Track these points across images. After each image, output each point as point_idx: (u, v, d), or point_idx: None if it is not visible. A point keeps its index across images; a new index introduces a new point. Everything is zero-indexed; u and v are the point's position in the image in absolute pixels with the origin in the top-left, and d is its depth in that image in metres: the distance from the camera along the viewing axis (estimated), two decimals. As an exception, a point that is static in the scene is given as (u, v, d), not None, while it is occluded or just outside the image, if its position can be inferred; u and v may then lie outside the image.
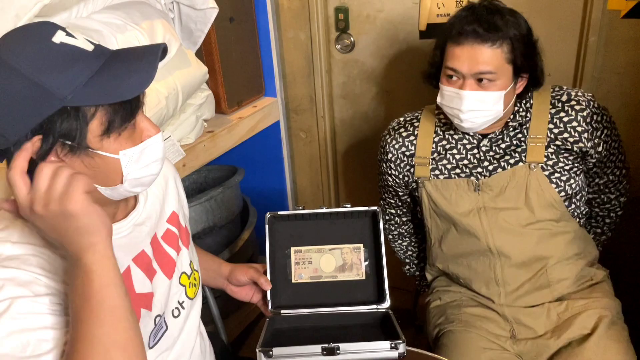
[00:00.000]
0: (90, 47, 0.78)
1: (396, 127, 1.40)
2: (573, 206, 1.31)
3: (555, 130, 1.26)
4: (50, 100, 0.73)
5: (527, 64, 1.20)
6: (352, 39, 1.90)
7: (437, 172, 1.34)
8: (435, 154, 1.34)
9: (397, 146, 1.38)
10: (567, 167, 1.27)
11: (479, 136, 1.31)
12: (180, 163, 1.55)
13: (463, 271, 1.38)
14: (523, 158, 1.27)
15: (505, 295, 1.32)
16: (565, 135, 1.25)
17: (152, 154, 0.85)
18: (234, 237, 1.95)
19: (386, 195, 1.52)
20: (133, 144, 0.82)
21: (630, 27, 1.50)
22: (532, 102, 1.29)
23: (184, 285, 1.05)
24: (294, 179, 2.20)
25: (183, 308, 1.05)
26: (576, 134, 1.25)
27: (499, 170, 1.29)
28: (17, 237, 0.79)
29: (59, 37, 0.76)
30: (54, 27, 0.77)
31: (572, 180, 1.27)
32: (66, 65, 0.74)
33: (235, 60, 1.82)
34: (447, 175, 1.32)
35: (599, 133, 1.26)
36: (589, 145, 1.25)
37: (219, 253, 1.83)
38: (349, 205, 1.21)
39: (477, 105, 1.19)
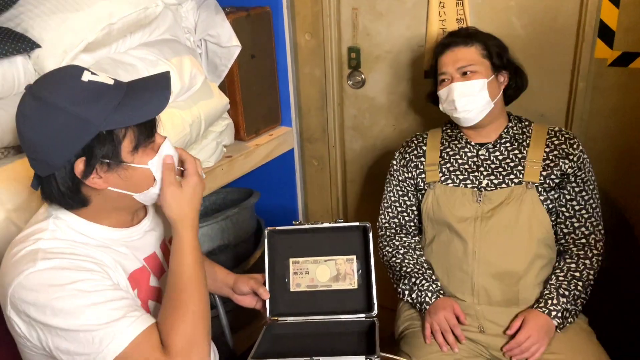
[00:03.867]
0: (111, 82, 0.94)
1: (409, 140, 1.65)
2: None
3: (547, 150, 1.45)
4: (89, 128, 0.88)
5: (502, 60, 1.47)
6: (363, 76, 2.04)
7: (443, 176, 1.51)
8: (441, 159, 1.54)
9: (408, 150, 1.61)
10: (547, 200, 1.42)
11: (478, 146, 1.51)
12: (200, 184, 1.70)
13: (442, 274, 1.50)
14: (520, 176, 1.43)
15: (478, 302, 1.44)
16: (555, 152, 1.44)
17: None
18: (246, 256, 2.03)
19: (407, 220, 1.60)
20: (155, 154, 0.98)
21: (616, 75, 1.60)
22: (530, 129, 1.50)
23: None
24: (305, 203, 2.30)
25: None
26: (563, 153, 1.43)
27: (492, 177, 1.45)
28: (50, 234, 0.95)
29: (86, 76, 0.92)
30: (81, 69, 0.93)
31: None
32: (96, 98, 0.90)
33: (254, 92, 1.96)
34: (449, 177, 1.50)
35: (582, 160, 1.44)
36: (570, 165, 1.42)
37: (231, 270, 1.94)
38: (342, 220, 1.33)
39: (466, 92, 1.42)
